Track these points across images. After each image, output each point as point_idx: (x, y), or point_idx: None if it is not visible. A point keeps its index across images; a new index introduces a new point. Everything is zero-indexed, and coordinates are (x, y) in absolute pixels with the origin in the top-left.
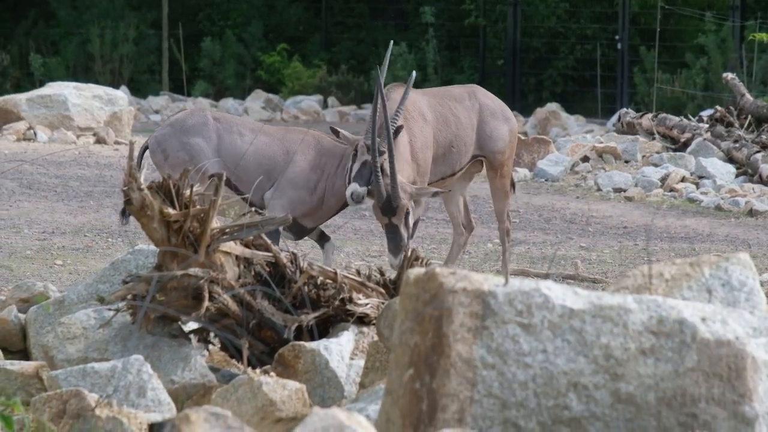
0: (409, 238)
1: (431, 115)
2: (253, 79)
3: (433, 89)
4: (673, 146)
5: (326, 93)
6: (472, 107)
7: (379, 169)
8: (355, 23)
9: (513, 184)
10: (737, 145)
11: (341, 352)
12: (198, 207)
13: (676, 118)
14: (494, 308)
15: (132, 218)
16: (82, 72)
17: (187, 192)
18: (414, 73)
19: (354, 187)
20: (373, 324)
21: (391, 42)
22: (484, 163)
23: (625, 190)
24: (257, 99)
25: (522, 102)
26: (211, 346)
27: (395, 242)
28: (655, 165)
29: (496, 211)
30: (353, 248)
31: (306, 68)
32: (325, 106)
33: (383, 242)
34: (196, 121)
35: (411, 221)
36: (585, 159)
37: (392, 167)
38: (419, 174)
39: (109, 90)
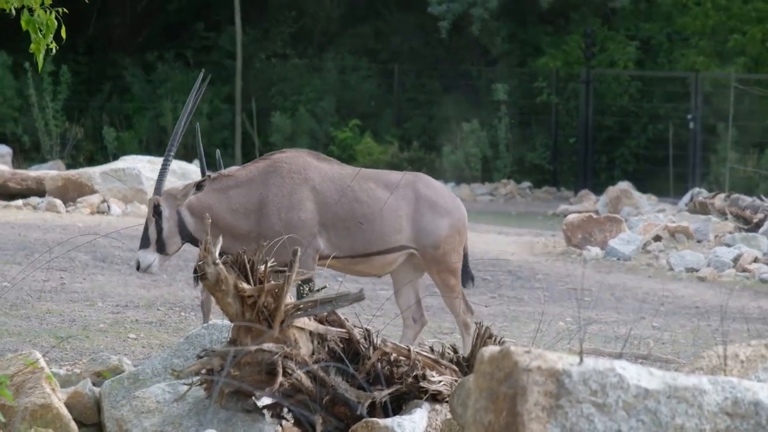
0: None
1: (326, 185)
2: (326, 154)
3: (364, 169)
4: (745, 226)
5: (398, 169)
6: (405, 196)
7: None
8: (427, 99)
9: (472, 278)
10: None
11: (414, 429)
12: (273, 282)
13: (749, 199)
14: (569, 387)
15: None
16: (155, 146)
17: (262, 267)
18: (218, 151)
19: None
20: (446, 401)
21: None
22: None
23: (697, 270)
24: None
25: (594, 180)
26: (284, 422)
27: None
28: (728, 245)
29: (446, 305)
30: (426, 326)
31: (378, 144)
32: None
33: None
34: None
35: (165, 225)
36: (657, 238)
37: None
38: (284, 229)
39: (183, 164)
